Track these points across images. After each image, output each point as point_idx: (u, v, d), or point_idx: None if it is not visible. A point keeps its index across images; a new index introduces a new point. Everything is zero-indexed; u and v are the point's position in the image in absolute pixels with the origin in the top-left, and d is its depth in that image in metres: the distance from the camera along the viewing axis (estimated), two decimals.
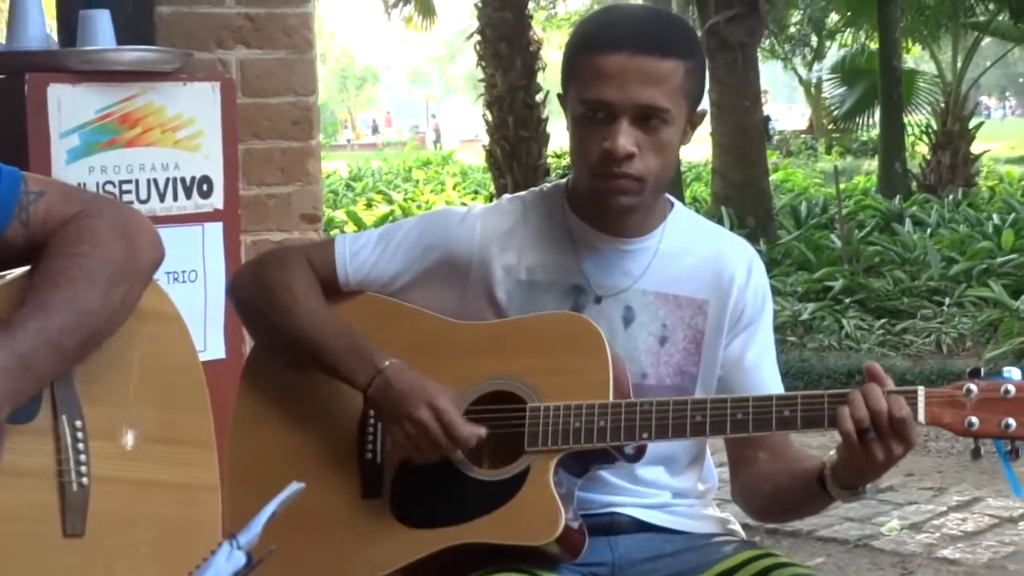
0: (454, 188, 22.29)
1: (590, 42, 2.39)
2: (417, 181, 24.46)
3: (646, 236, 2.50)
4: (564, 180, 2.57)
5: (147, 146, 3.45)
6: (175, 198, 3.51)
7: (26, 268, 2.07)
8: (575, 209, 2.51)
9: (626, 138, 2.34)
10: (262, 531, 1.69)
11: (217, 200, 3.57)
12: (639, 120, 2.35)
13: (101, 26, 3.43)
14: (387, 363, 2.40)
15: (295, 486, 1.74)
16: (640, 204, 2.43)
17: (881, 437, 2.18)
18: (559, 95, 2.50)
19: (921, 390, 2.19)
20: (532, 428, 2.34)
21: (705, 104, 2.49)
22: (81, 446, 2.05)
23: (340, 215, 17.06)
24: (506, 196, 2.64)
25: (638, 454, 2.39)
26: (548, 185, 2.61)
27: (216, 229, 3.57)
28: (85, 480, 2.05)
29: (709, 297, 2.51)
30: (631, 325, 2.48)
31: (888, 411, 2.17)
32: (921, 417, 2.18)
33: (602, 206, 2.44)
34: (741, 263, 2.54)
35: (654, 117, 2.35)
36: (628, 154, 2.35)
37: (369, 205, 19.61)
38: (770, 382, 2.53)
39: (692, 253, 2.52)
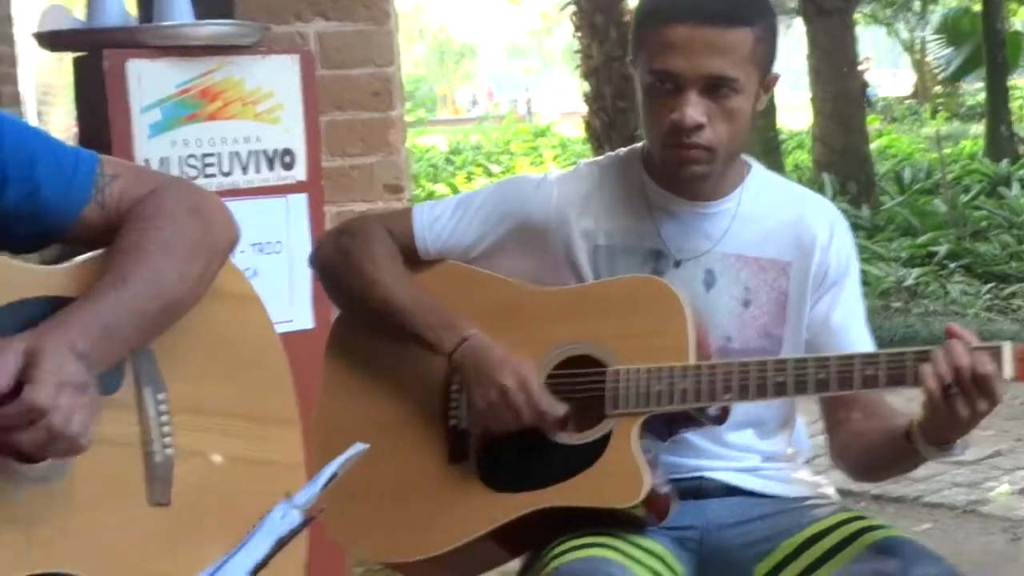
0: (553, 160, 22.23)
1: (657, 12, 2.38)
2: (514, 154, 24.42)
3: (723, 199, 2.48)
4: (640, 145, 2.55)
5: (228, 119, 3.46)
6: (258, 170, 3.51)
7: (101, 251, 2.09)
8: (651, 174, 2.50)
9: (694, 109, 2.32)
10: (321, 491, 1.68)
11: (300, 172, 3.57)
12: (708, 90, 2.33)
13: (178, 1, 3.44)
14: (473, 331, 2.41)
15: (357, 447, 1.73)
16: (712, 172, 2.41)
17: (964, 393, 2.14)
18: (629, 60, 2.47)
19: (1007, 344, 2.15)
20: (612, 392, 2.33)
21: (778, 68, 2.45)
22: (165, 418, 2.07)
23: (441, 188, 17.08)
24: (583, 162, 2.65)
25: (722, 416, 2.37)
26: (624, 150, 2.59)
27: (300, 200, 3.57)
28: (169, 451, 2.07)
29: (792, 259, 2.48)
30: (712, 288, 2.46)
31: (972, 366, 2.13)
32: (1008, 372, 2.14)
33: (674, 174, 2.43)
34: (823, 224, 2.51)
35: (723, 86, 2.33)
36: (697, 125, 2.33)
37: (469, 179, 19.63)
38: (859, 343, 2.49)
39: (773, 215, 2.50)
